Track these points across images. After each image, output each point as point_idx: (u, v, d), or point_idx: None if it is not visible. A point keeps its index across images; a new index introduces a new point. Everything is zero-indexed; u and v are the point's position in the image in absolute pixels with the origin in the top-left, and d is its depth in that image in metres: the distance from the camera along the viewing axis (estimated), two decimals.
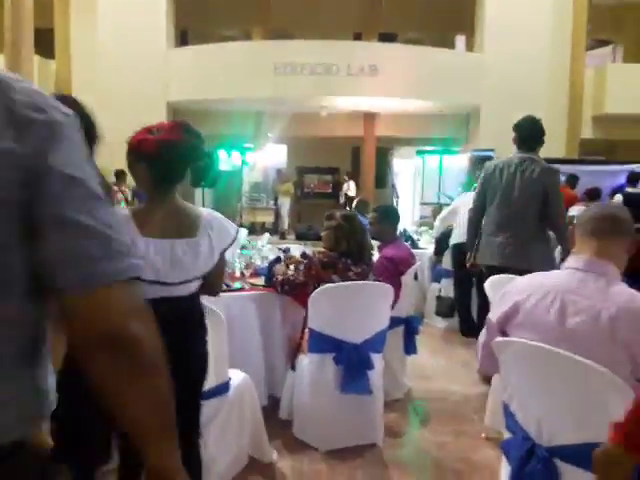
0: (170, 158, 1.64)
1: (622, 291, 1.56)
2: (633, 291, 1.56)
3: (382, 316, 2.82)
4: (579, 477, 1.52)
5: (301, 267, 2.91)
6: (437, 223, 5.24)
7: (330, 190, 14.60)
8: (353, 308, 2.70)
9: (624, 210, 1.72)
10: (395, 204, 12.89)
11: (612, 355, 1.49)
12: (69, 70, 11.18)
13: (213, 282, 1.82)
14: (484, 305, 4.73)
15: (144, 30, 11.00)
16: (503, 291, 1.83)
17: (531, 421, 1.63)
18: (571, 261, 1.68)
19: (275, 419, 2.91)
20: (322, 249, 2.93)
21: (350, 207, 12.04)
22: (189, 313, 1.75)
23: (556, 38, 11.36)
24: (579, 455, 1.52)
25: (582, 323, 1.54)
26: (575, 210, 6.95)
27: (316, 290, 2.68)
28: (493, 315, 1.79)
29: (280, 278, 2.93)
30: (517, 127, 3.44)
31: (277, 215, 12.34)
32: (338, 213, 2.94)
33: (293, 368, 2.83)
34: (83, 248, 0.73)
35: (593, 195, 7.27)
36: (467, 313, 4.90)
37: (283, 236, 11.45)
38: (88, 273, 0.73)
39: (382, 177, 13.63)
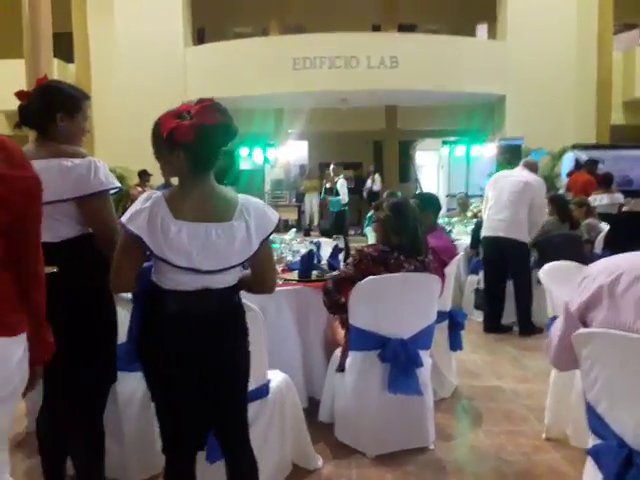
0: (209, 144, 1.53)
1: None
2: None
3: (429, 309, 2.61)
4: None
5: (350, 261, 2.68)
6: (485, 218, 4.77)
7: (352, 185, 14.33)
8: (398, 301, 2.50)
9: None
10: None
11: None
12: (88, 73, 11.18)
13: (262, 275, 1.67)
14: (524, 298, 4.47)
15: (161, 30, 10.94)
16: (582, 277, 1.62)
17: (627, 425, 1.41)
18: None
19: (315, 422, 2.71)
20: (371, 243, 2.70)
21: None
22: (230, 307, 1.61)
23: (582, 22, 10.97)
24: None
25: None
26: (592, 198, 6.64)
27: (357, 284, 2.49)
28: (572, 304, 1.57)
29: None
30: None
31: (300, 212, 12.16)
32: (386, 203, 2.70)
33: (342, 369, 2.62)
34: None
35: (606, 180, 7.04)
36: (498, 308, 4.62)
37: (307, 233, 11.28)
38: None
39: (405, 171, 13.36)
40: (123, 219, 1.49)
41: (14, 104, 1.87)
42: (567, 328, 1.56)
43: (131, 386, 2.22)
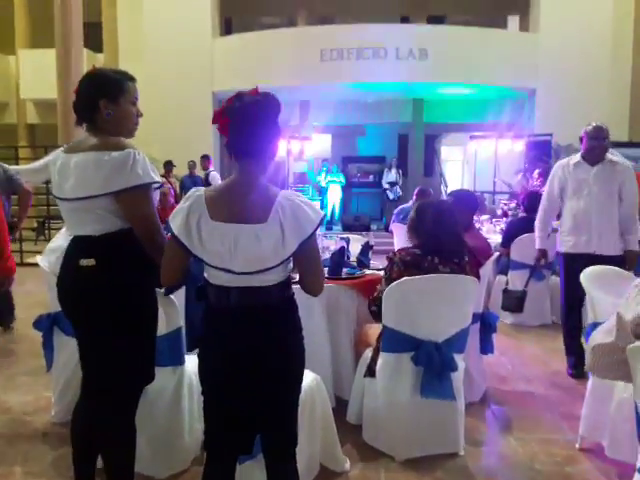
0: (231, 126, 1.55)
1: None
2: None
3: (465, 312, 2.54)
4: None
5: (383, 275, 2.59)
6: None
7: (373, 179, 14.22)
8: (433, 304, 2.44)
9: None
10: (444, 193, 12.46)
11: None
12: (116, 62, 11.24)
13: (306, 277, 1.60)
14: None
15: (189, 20, 10.96)
16: (635, 286, 1.55)
17: None
18: None
19: (342, 423, 2.67)
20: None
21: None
22: (276, 302, 1.55)
23: (618, 16, 10.64)
24: None
25: None
26: None
27: (391, 284, 2.43)
28: (627, 313, 1.51)
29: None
30: None
31: (322, 206, 12.10)
32: (426, 204, 2.62)
33: (373, 374, 2.56)
34: None
35: None
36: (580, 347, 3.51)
37: (329, 227, 11.21)
38: None
39: (430, 165, 13.18)
40: (170, 217, 1.52)
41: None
42: (622, 339, 1.50)
43: (161, 381, 2.21)
